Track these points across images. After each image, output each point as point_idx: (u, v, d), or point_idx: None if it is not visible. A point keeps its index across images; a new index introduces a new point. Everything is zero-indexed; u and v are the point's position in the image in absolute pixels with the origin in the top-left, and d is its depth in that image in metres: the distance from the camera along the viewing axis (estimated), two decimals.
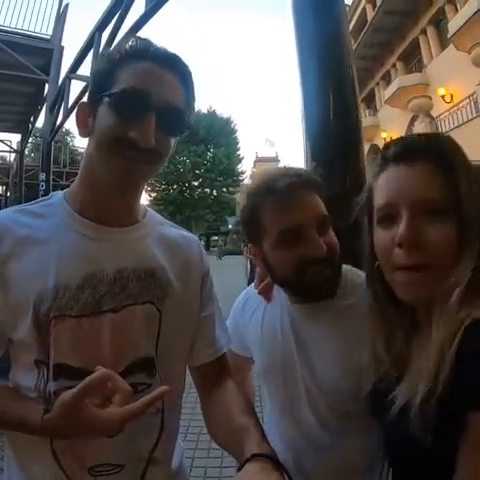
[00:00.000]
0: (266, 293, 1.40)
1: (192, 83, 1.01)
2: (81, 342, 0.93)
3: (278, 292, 1.38)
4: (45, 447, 0.93)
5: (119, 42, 1.06)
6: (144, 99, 0.90)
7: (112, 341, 0.95)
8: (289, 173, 1.18)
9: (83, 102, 0.99)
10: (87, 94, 1.00)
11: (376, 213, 0.93)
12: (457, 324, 0.75)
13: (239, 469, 0.81)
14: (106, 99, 0.91)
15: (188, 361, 1.16)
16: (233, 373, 1.21)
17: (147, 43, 0.95)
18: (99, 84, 0.95)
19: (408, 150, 0.88)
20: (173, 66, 0.96)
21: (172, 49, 0.97)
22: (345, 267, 1.31)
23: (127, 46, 0.95)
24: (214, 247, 42.99)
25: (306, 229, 1.12)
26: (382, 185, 0.91)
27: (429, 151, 0.86)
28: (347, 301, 1.25)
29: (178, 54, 0.98)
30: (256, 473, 0.77)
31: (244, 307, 1.50)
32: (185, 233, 1.22)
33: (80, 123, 0.98)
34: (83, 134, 0.99)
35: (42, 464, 0.95)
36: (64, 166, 18.35)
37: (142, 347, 1.00)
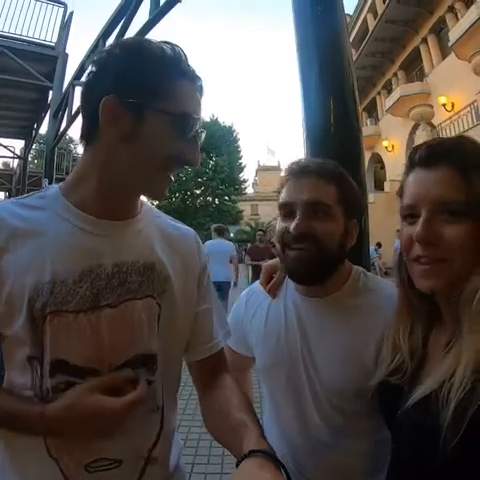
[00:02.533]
0: (274, 290, 1.42)
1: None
2: (78, 338, 0.92)
3: (287, 287, 1.40)
4: (39, 443, 0.93)
5: (145, 42, 1.04)
6: (198, 124, 0.98)
7: (111, 337, 0.95)
8: (310, 160, 1.34)
9: (112, 98, 0.89)
10: (112, 88, 0.90)
11: (402, 211, 0.99)
12: None
13: (237, 465, 0.82)
14: (163, 114, 0.91)
15: (186, 356, 1.17)
16: (230, 368, 1.21)
17: (184, 56, 0.97)
18: (142, 88, 0.90)
19: (431, 154, 0.93)
20: (201, 88, 1.01)
21: None
22: (358, 268, 1.36)
23: (168, 52, 0.93)
24: None
25: (295, 207, 1.21)
26: (408, 186, 0.98)
27: (450, 155, 0.90)
28: (355, 300, 1.27)
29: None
30: (254, 469, 0.78)
31: (247, 303, 1.50)
32: (182, 226, 1.22)
33: (110, 119, 0.91)
34: (111, 134, 0.92)
35: (37, 461, 0.94)
36: (67, 173, 18.19)
37: (142, 343, 1.00)
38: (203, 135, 1.03)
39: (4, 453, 1.00)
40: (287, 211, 1.24)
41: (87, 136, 0.98)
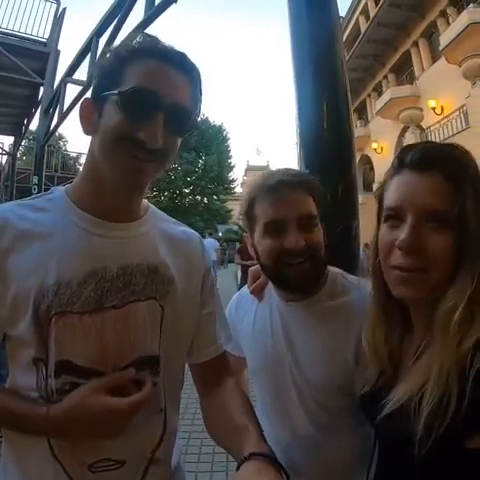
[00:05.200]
0: (258, 292, 1.47)
1: (200, 82, 1.00)
2: (83, 339, 0.92)
3: (270, 292, 1.44)
4: (43, 443, 0.92)
5: (125, 39, 1.06)
6: (153, 99, 0.89)
7: (115, 338, 0.95)
8: (286, 172, 1.28)
9: (87, 98, 0.97)
10: (91, 90, 0.98)
11: (384, 211, 0.96)
12: (463, 349, 0.77)
13: (237, 468, 0.82)
14: (113, 97, 0.90)
15: (188, 359, 1.17)
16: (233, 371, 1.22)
17: (155, 40, 0.94)
18: (105, 80, 0.93)
19: (423, 159, 0.91)
20: (181, 64, 0.94)
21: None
22: (336, 270, 1.40)
23: (135, 42, 0.93)
24: None
25: (287, 223, 1.22)
26: (394, 187, 0.95)
27: (442, 163, 0.88)
28: (335, 302, 1.32)
29: (185, 52, 0.96)
30: (254, 472, 0.78)
31: (237, 307, 1.56)
32: (187, 229, 1.22)
33: (83, 120, 0.96)
34: (86, 131, 0.97)
35: (40, 461, 0.94)
36: (56, 170, 18.13)
37: (146, 345, 1.00)
38: (176, 112, 0.94)
39: (7, 453, 1.00)
40: (276, 228, 1.24)
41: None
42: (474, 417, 0.73)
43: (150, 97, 0.89)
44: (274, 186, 1.24)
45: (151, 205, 1.15)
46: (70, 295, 0.91)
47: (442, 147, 0.96)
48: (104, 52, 1.01)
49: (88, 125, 0.96)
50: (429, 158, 0.91)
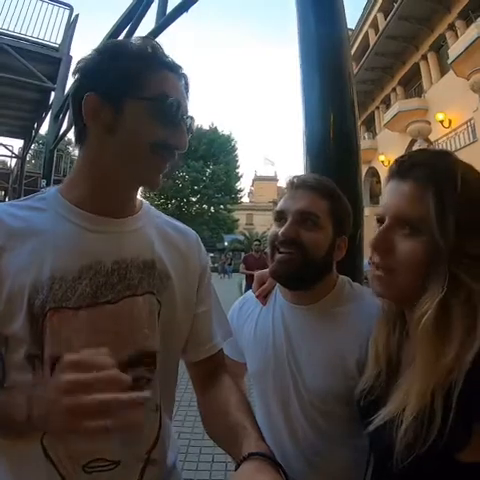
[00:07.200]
0: (263, 297, 1.48)
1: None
2: (79, 334, 0.92)
3: (275, 297, 1.46)
4: (35, 444, 0.91)
5: (133, 44, 1.06)
6: (180, 108, 0.97)
7: (111, 334, 0.95)
8: (311, 176, 1.42)
9: (91, 94, 0.93)
10: (99, 86, 0.94)
11: (377, 217, 1.01)
12: (445, 364, 0.79)
13: (236, 468, 0.82)
14: (143, 101, 0.93)
15: (184, 357, 1.17)
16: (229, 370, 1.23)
17: (162, 49, 1.00)
18: (124, 81, 0.93)
19: (403, 167, 0.95)
20: (184, 77, 1.03)
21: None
22: (344, 278, 1.42)
23: (148, 48, 0.97)
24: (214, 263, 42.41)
25: (285, 214, 1.30)
26: (383, 195, 1.01)
27: (419, 170, 0.91)
28: (339, 308, 1.33)
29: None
30: (253, 472, 0.78)
31: (240, 311, 1.56)
32: (182, 226, 1.22)
33: (91, 117, 0.95)
34: (96, 129, 0.96)
35: (33, 462, 0.93)
36: (64, 175, 18.05)
37: (143, 340, 1.00)
38: (191, 122, 1.04)
39: None
40: (280, 218, 1.32)
41: (78, 137, 1.01)
42: (462, 430, 0.74)
43: (178, 106, 0.97)
44: (293, 185, 1.36)
45: (145, 201, 1.16)
46: (65, 290, 0.92)
47: (425, 154, 1.01)
48: (109, 47, 1.02)
49: (97, 122, 0.95)
50: (406, 166, 0.95)
